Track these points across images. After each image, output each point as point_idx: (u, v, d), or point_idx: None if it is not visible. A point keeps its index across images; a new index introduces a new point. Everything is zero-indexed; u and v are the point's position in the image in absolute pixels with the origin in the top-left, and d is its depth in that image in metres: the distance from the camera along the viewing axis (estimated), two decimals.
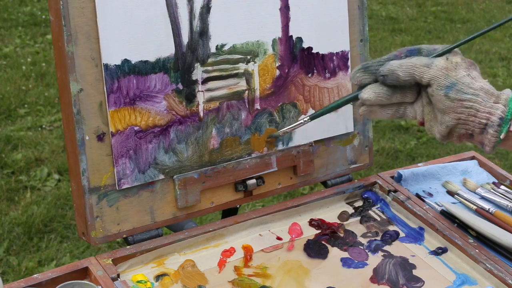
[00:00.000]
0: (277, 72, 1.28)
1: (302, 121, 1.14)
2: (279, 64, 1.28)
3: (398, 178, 1.41)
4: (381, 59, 1.02)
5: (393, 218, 1.34)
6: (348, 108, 1.32)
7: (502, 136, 0.94)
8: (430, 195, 1.39)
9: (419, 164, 1.47)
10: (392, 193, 1.37)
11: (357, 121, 1.39)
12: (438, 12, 5.67)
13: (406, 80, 0.98)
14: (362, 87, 1.04)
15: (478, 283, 1.17)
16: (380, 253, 1.25)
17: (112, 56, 1.11)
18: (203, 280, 1.15)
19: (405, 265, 1.21)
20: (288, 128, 1.19)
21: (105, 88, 1.11)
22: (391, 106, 1.02)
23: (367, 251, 1.25)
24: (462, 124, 0.96)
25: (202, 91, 1.21)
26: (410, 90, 1.00)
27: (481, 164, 1.49)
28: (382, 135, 3.44)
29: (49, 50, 4.28)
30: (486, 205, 1.32)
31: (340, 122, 1.37)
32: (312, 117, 1.13)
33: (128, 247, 1.17)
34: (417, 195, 1.37)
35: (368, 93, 1.01)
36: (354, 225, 1.33)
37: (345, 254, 1.24)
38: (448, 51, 1.01)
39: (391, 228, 1.32)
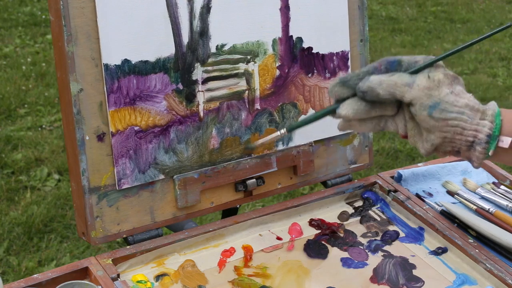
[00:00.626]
0: (277, 72, 1.28)
1: (278, 133, 1.06)
2: (279, 64, 1.28)
3: (398, 178, 1.41)
4: (360, 72, 0.96)
5: (393, 218, 1.34)
6: None
7: (490, 153, 0.92)
8: (430, 195, 1.39)
9: (419, 164, 1.47)
10: (392, 193, 1.37)
11: None
12: (438, 12, 5.67)
13: (386, 98, 0.93)
14: (340, 100, 0.98)
15: (478, 283, 1.17)
16: (380, 253, 1.25)
17: (112, 56, 1.11)
18: (203, 280, 1.15)
19: (405, 265, 1.21)
20: (264, 140, 1.11)
21: (105, 88, 1.11)
22: (370, 120, 0.97)
23: (367, 251, 1.25)
24: (448, 142, 0.93)
25: (202, 91, 1.21)
26: (390, 104, 0.96)
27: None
28: (382, 135, 3.44)
29: (49, 50, 4.28)
30: (486, 205, 1.32)
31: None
32: (289, 130, 1.06)
33: (128, 247, 1.17)
34: (417, 195, 1.37)
35: (346, 110, 0.95)
36: (354, 225, 1.33)
37: (345, 254, 1.24)
38: (430, 64, 0.95)
39: (391, 228, 1.32)
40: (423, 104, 0.91)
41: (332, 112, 0.99)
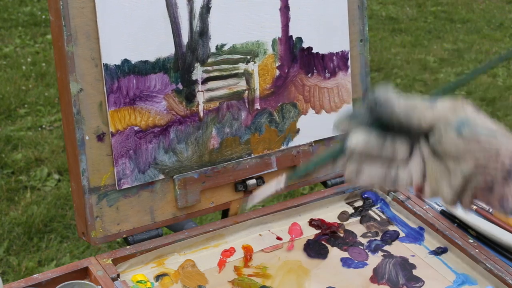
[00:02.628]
0: (277, 72, 1.28)
1: (278, 187, 0.97)
2: (279, 64, 1.28)
3: None
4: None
5: (393, 218, 1.34)
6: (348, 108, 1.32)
7: None
8: None
9: None
10: (392, 193, 1.37)
11: None
12: (438, 12, 5.67)
13: (399, 119, 0.82)
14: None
15: (478, 283, 1.17)
16: (380, 253, 1.25)
17: (112, 56, 1.11)
18: (203, 280, 1.15)
19: (405, 265, 1.21)
20: (261, 199, 1.03)
21: (105, 88, 1.11)
22: (381, 162, 0.84)
23: (367, 251, 1.25)
24: (481, 172, 0.79)
25: (202, 91, 1.21)
26: (401, 143, 0.83)
27: None
28: None
29: (49, 50, 4.28)
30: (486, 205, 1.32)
31: None
32: (290, 179, 0.99)
33: (128, 247, 1.17)
34: (417, 195, 1.37)
35: (356, 139, 0.83)
36: (354, 225, 1.33)
37: (345, 254, 1.24)
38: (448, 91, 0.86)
39: (391, 228, 1.32)
40: (449, 123, 0.80)
41: (338, 154, 0.88)
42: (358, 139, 0.83)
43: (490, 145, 0.79)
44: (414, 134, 0.83)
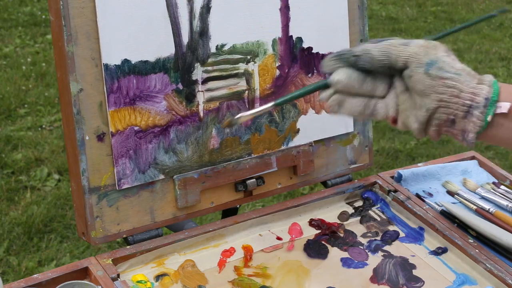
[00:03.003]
0: (277, 72, 1.28)
1: (267, 106, 1.01)
2: (279, 64, 1.28)
3: (398, 178, 1.41)
4: (355, 48, 0.94)
5: (393, 218, 1.34)
6: None
7: (489, 119, 0.86)
8: (430, 195, 1.39)
9: (419, 164, 1.47)
10: (392, 193, 1.37)
11: (357, 121, 1.39)
12: (438, 12, 5.67)
13: (380, 61, 0.90)
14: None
15: (478, 283, 1.17)
16: (380, 253, 1.25)
17: (112, 56, 1.11)
18: (203, 280, 1.15)
19: (405, 265, 1.21)
20: (251, 113, 1.03)
21: (105, 88, 1.11)
22: (361, 97, 0.94)
23: (367, 251, 1.25)
24: (443, 107, 0.88)
25: (202, 91, 1.21)
26: (382, 81, 0.93)
27: (481, 164, 1.49)
28: (382, 135, 3.44)
29: (49, 50, 4.28)
30: (486, 205, 1.32)
31: (340, 122, 1.37)
32: (277, 103, 1.04)
33: (128, 247, 1.17)
34: (417, 195, 1.37)
35: (340, 74, 0.92)
36: (354, 225, 1.33)
37: (345, 254, 1.24)
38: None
39: (391, 228, 1.32)
40: (420, 60, 0.88)
41: (323, 86, 0.96)
42: (341, 75, 0.93)
43: (454, 84, 0.87)
44: (392, 72, 0.92)
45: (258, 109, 1.02)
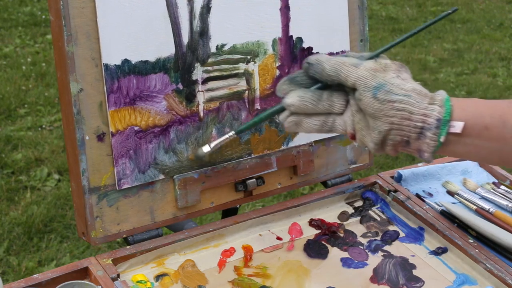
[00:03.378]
0: (277, 72, 1.28)
1: (227, 136, 1.08)
2: (279, 64, 1.28)
3: (398, 178, 1.41)
4: (311, 56, 0.94)
5: (393, 218, 1.34)
6: None
7: (442, 139, 0.86)
8: (430, 195, 1.39)
9: (419, 164, 1.47)
10: (392, 193, 1.37)
11: None
12: (438, 12, 5.67)
13: (330, 76, 0.90)
14: None
15: (478, 283, 1.17)
16: (380, 253, 1.25)
17: (112, 56, 1.11)
18: (203, 280, 1.15)
19: (405, 265, 1.21)
20: (214, 144, 1.11)
21: (105, 88, 1.11)
22: (318, 116, 0.93)
23: (367, 251, 1.25)
24: (396, 130, 0.87)
25: (202, 91, 1.21)
26: (338, 98, 0.92)
27: (481, 164, 1.49)
28: None
29: (49, 50, 4.28)
30: (486, 205, 1.32)
31: None
32: (238, 132, 1.07)
33: (128, 247, 1.17)
34: (417, 195, 1.37)
35: (291, 98, 0.93)
36: (354, 225, 1.33)
37: (345, 254, 1.24)
38: (376, 55, 0.94)
39: (391, 228, 1.32)
40: (368, 84, 0.88)
41: (279, 111, 0.97)
42: (293, 98, 0.93)
43: (403, 107, 0.86)
44: (346, 90, 0.92)
45: (219, 140, 1.09)
